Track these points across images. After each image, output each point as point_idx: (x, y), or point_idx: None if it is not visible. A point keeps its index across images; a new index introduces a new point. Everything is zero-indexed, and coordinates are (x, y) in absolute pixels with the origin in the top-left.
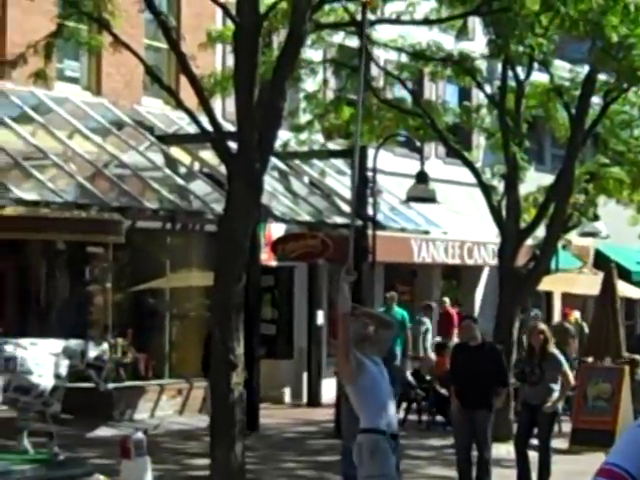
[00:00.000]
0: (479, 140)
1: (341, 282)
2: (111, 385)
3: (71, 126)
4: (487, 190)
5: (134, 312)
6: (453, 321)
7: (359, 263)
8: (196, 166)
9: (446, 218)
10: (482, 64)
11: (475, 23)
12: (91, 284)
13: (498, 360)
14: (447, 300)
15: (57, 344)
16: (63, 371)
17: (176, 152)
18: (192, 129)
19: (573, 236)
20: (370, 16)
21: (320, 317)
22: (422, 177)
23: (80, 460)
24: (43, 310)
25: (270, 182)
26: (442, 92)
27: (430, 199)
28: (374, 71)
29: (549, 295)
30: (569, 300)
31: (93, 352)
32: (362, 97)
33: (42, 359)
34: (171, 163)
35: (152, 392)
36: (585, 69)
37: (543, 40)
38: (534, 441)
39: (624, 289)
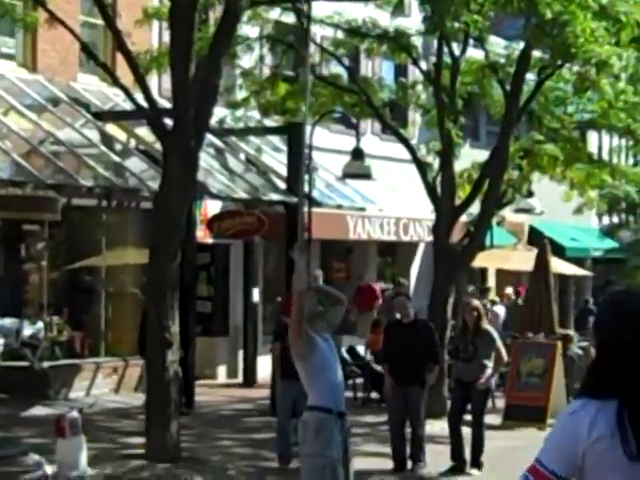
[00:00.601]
0: (415, 117)
1: (294, 259)
2: (46, 363)
3: (6, 103)
4: (422, 167)
5: (70, 290)
6: (375, 296)
7: (294, 240)
8: (132, 143)
9: (382, 195)
10: (418, 41)
11: None
12: (26, 262)
13: (430, 337)
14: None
15: None
16: None
17: (112, 129)
18: (128, 106)
19: (507, 212)
20: None
21: (256, 295)
22: (358, 154)
23: (14, 439)
24: None
25: (206, 159)
26: (378, 69)
27: (366, 176)
28: (310, 48)
29: (484, 271)
30: (503, 276)
31: (28, 330)
32: (307, 73)
33: None
34: (107, 140)
35: (88, 370)
36: (520, 46)
37: (478, 17)
38: (468, 417)
39: (558, 265)
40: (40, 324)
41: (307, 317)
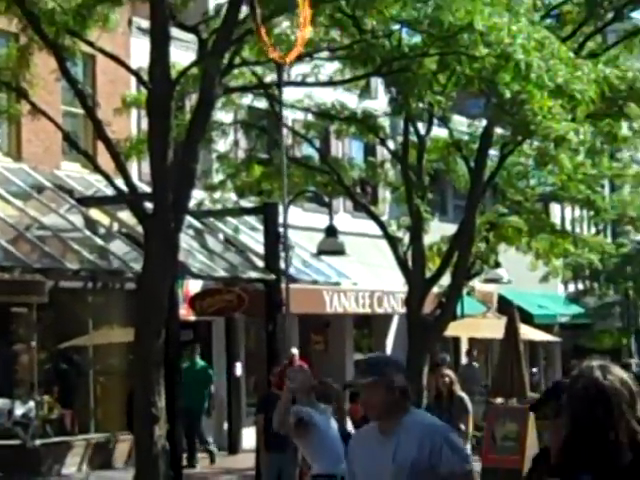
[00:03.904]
0: (384, 194)
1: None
2: (38, 441)
3: None
4: (393, 241)
5: (59, 370)
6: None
7: (274, 315)
8: (115, 227)
9: (356, 269)
10: (385, 121)
11: (377, 83)
12: (16, 343)
13: None
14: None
15: None
16: None
17: (95, 214)
18: (110, 191)
19: (477, 283)
20: (277, 78)
21: (239, 369)
22: (331, 231)
23: None
24: None
25: (186, 240)
26: (348, 149)
27: (340, 252)
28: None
29: (456, 340)
30: (475, 344)
31: (20, 410)
32: (283, 157)
33: None
34: (90, 224)
35: (79, 447)
36: (482, 124)
37: (441, 97)
38: None
39: (526, 332)
40: (31, 403)
41: (301, 389)
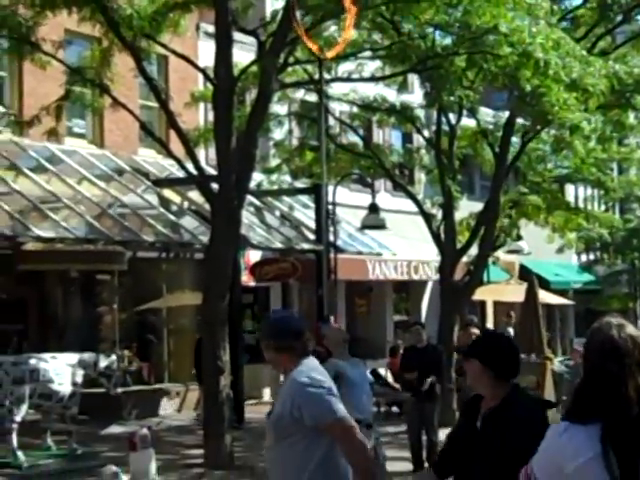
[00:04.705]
0: (420, 176)
1: None
2: (120, 390)
3: (79, 174)
4: (428, 217)
5: (137, 328)
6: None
7: (323, 281)
8: (185, 205)
9: (395, 242)
10: (420, 112)
11: (413, 78)
12: (100, 306)
13: (439, 358)
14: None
15: (73, 357)
16: (79, 379)
17: (168, 193)
18: (181, 174)
19: (501, 253)
20: (326, 75)
21: None
22: (373, 208)
23: (95, 454)
24: (61, 329)
25: (247, 216)
26: (388, 137)
27: (381, 226)
28: (330, 121)
29: (483, 303)
30: (499, 307)
31: (104, 362)
32: (323, 143)
33: (61, 370)
34: (164, 203)
35: (154, 394)
36: (505, 114)
37: (470, 91)
38: None
39: (544, 297)
40: (113, 357)
41: (334, 343)
